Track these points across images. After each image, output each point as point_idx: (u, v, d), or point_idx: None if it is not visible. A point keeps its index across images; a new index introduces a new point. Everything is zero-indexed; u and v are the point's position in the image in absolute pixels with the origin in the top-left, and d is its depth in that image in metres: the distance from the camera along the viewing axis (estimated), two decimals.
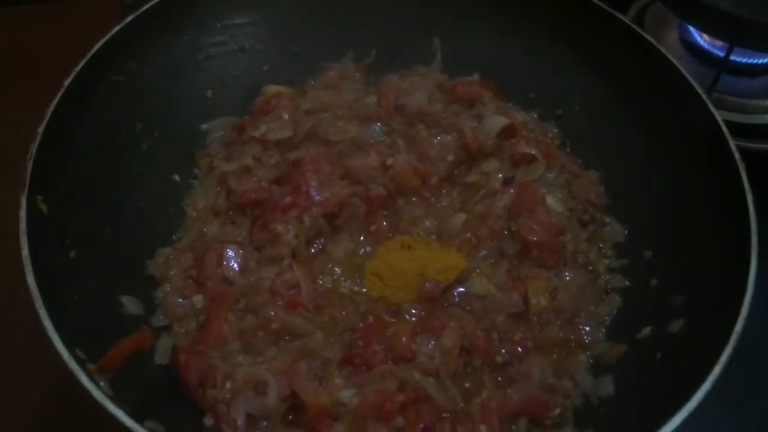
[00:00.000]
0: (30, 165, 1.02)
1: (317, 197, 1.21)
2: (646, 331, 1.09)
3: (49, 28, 1.72)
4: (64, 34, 1.61)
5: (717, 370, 0.89)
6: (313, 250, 1.22)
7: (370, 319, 1.14)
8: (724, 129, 1.11)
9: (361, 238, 1.24)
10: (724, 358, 0.90)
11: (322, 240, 1.22)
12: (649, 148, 1.26)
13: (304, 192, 1.21)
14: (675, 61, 1.21)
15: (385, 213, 1.26)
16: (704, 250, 1.11)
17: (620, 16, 1.28)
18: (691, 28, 1.63)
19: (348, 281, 1.19)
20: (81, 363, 0.88)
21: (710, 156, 1.13)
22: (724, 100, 1.51)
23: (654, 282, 1.15)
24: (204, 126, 1.37)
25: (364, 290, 1.18)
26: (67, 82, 1.11)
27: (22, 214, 0.98)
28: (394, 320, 1.14)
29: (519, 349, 1.11)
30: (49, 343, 0.88)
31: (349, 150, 1.28)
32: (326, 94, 1.37)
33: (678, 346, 1.03)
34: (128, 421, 0.84)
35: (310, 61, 1.43)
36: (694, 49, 1.63)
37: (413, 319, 1.15)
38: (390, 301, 1.17)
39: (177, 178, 1.30)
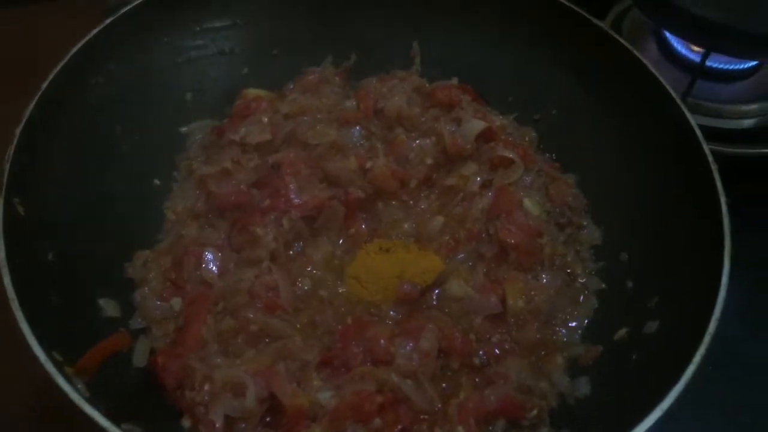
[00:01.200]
0: (7, 167, 1.02)
1: (296, 200, 1.21)
2: (622, 332, 1.10)
3: (29, 29, 1.70)
4: (45, 35, 1.60)
5: (691, 370, 0.90)
6: (291, 253, 1.22)
7: (349, 321, 1.15)
8: (698, 132, 1.13)
9: (340, 241, 1.24)
10: (697, 358, 0.91)
11: (301, 243, 1.23)
12: (626, 152, 1.27)
13: (283, 195, 1.21)
14: (650, 66, 1.23)
15: (364, 216, 1.27)
16: (679, 252, 1.12)
17: (597, 21, 1.30)
18: (668, 34, 1.65)
19: (327, 284, 1.19)
20: (58, 365, 0.88)
21: (684, 159, 1.15)
22: (700, 105, 1.53)
23: (630, 284, 1.17)
24: (183, 129, 1.36)
25: (343, 292, 1.19)
26: (44, 85, 1.11)
27: None
28: (373, 322, 1.14)
29: (496, 350, 1.12)
30: (27, 345, 0.88)
31: (329, 153, 1.29)
32: (305, 98, 1.37)
33: (653, 347, 1.04)
34: (104, 422, 0.84)
35: (290, 65, 1.43)
36: (670, 54, 1.66)
37: (391, 321, 1.15)
38: (368, 301, 1.17)
39: (156, 181, 1.30)
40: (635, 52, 1.24)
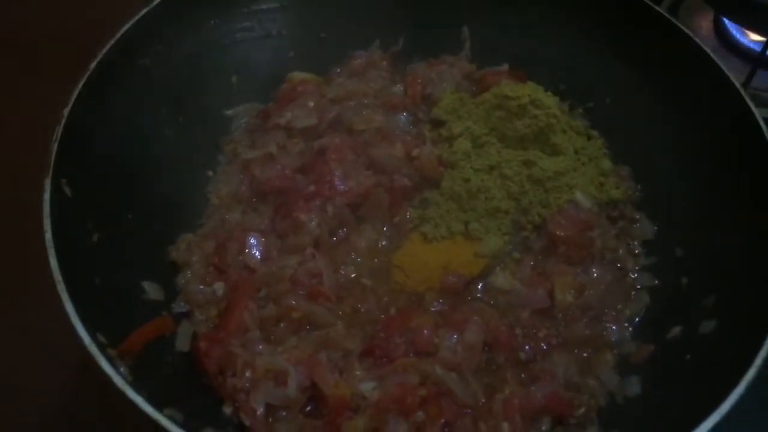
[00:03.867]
0: (55, 147, 1.02)
1: (341, 186, 1.20)
2: (676, 331, 1.07)
3: (77, 9, 1.71)
4: (93, 15, 1.60)
5: (751, 373, 0.86)
6: (335, 240, 1.20)
7: (393, 311, 1.13)
8: (762, 123, 1.08)
9: (385, 228, 1.22)
10: (758, 361, 0.87)
11: (345, 230, 1.21)
12: (682, 143, 1.23)
13: (328, 181, 1.20)
14: (712, 54, 1.18)
15: (410, 204, 1.24)
16: (737, 249, 1.08)
17: (656, 7, 1.25)
18: (727, 22, 1.59)
19: (371, 272, 1.18)
20: (102, 348, 0.88)
21: (745, 152, 1.10)
22: (759, 96, 1.48)
23: (684, 281, 1.13)
24: (228, 112, 1.36)
25: (387, 281, 1.17)
26: (92, 65, 1.11)
27: (46, 196, 0.97)
28: (417, 312, 1.12)
29: (543, 345, 1.09)
30: (71, 327, 0.88)
31: (374, 139, 1.27)
32: (352, 83, 1.36)
33: (709, 348, 1.00)
34: (147, 408, 0.83)
35: (337, 49, 1.41)
36: (729, 43, 1.60)
37: (436, 312, 1.13)
38: (412, 291, 1.15)
39: (200, 164, 1.29)
40: (696, 39, 1.19)
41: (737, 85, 1.13)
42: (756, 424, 1.13)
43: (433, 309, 1.14)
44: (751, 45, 1.55)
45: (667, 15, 1.24)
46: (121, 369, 0.89)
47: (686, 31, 1.21)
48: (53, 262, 0.91)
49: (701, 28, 1.65)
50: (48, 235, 0.93)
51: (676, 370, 1.02)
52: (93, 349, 0.86)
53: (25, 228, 1.00)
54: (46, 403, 1.20)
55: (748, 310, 0.97)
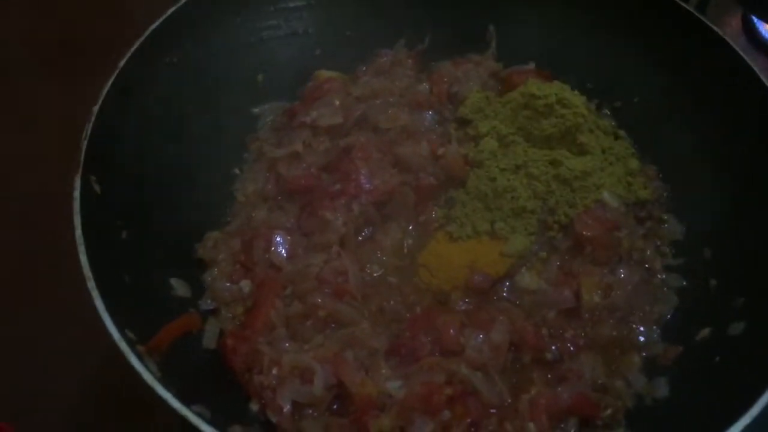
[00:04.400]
0: (84, 145, 1.03)
1: (367, 185, 1.20)
2: (705, 333, 1.06)
3: (106, 7, 1.72)
4: (121, 13, 1.61)
5: None
6: (361, 239, 1.20)
7: (418, 310, 1.13)
8: None
9: (410, 227, 1.22)
10: None
11: (371, 228, 1.21)
12: (711, 144, 1.21)
13: (354, 179, 1.20)
14: (742, 53, 1.16)
15: (435, 203, 1.24)
16: (766, 251, 1.06)
17: (684, 4, 1.24)
18: (756, 20, 1.57)
19: (396, 271, 1.18)
20: (131, 344, 0.89)
21: None
22: None
23: (713, 282, 1.12)
24: (255, 110, 1.36)
25: (413, 280, 1.17)
26: (122, 63, 1.12)
27: (76, 194, 0.98)
28: (442, 311, 1.11)
29: (570, 346, 1.08)
30: (101, 323, 0.89)
31: (400, 138, 1.27)
32: (378, 81, 1.36)
33: (738, 350, 0.99)
34: (176, 404, 0.84)
35: (363, 47, 1.42)
36: (758, 42, 1.58)
37: (461, 311, 1.13)
38: (438, 290, 1.15)
39: (227, 161, 1.30)
40: (732, 43, 1.17)
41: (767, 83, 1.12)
42: None
43: (458, 308, 1.13)
44: None
45: (696, 13, 1.22)
46: (150, 365, 0.89)
47: (716, 29, 1.19)
48: (83, 259, 0.92)
49: (730, 26, 1.63)
50: (78, 232, 0.95)
51: (705, 372, 1.01)
52: (123, 345, 0.87)
53: (56, 225, 1.01)
54: (71, 396, 1.21)
55: None
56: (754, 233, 1.10)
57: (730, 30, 1.62)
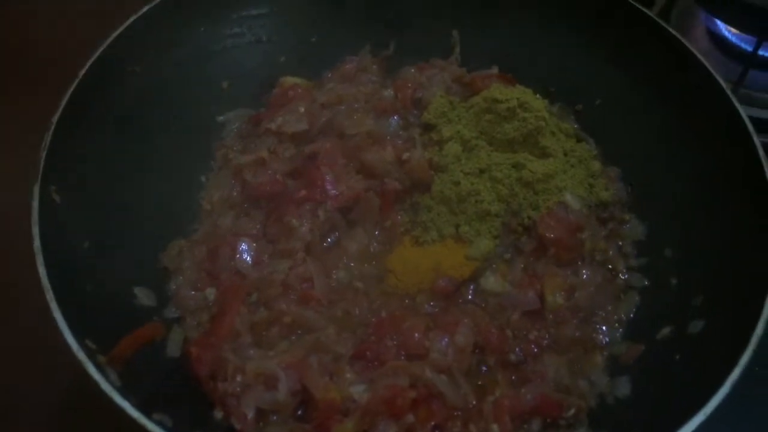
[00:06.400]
0: (43, 155, 1.02)
1: (332, 191, 1.20)
2: (665, 331, 1.07)
3: (68, 15, 1.72)
4: (84, 21, 1.60)
5: (736, 372, 0.87)
6: (327, 244, 1.20)
7: (384, 314, 1.13)
8: (749, 126, 1.08)
9: (376, 232, 1.23)
10: (743, 361, 0.88)
11: (337, 234, 1.21)
12: (672, 145, 1.23)
13: (319, 185, 1.20)
14: (700, 57, 1.18)
15: (401, 208, 1.25)
16: (726, 250, 1.08)
17: (645, 9, 1.25)
18: (719, 22, 1.59)
19: (362, 276, 1.18)
20: (91, 354, 0.88)
21: (734, 153, 1.10)
22: (752, 96, 1.48)
23: (674, 281, 1.13)
24: (220, 118, 1.36)
25: (378, 284, 1.17)
26: (82, 73, 1.11)
27: (35, 204, 0.98)
28: (408, 315, 1.12)
29: (534, 347, 1.09)
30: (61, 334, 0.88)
31: (365, 143, 1.27)
32: (343, 87, 1.36)
33: (697, 348, 1.00)
34: (135, 413, 0.84)
35: (328, 53, 1.42)
36: (721, 43, 1.60)
37: (427, 315, 1.13)
38: (404, 294, 1.15)
39: (193, 169, 1.30)
40: (684, 41, 1.19)
41: (725, 86, 1.13)
42: (741, 423, 1.14)
43: (424, 312, 1.14)
44: (743, 45, 1.55)
45: (654, 17, 1.24)
46: (111, 375, 0.89)
47: (674, 33, 1.21)
48: (42, 270, 0.92)
49: (695, 28, 1.65)
50: (36, 243, 0.94)
51: (665, 371, 1.02)
52: (81, 355, 0.86)
53: (16, 236, 1.01)
54: (43, 415, 1.20)
55: (735, 311, 0.97)
56: (713, 233, 1.11)
57: (695, 32, 1.63)
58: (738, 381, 0.86)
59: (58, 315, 0.89)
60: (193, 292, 1.14)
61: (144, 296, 1.10)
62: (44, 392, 1.22)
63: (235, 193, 1.26)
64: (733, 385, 0.85)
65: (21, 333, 1.25)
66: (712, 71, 1.14)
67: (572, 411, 1.03)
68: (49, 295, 0.90)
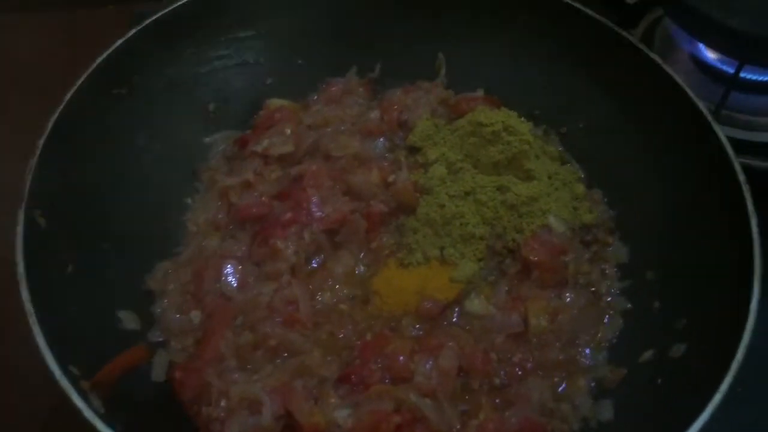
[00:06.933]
0: (29, 178, 1.03)
1: (318, 213, 1.21)
2: (648, 355, 1.08)
3: (55, 37, 1.72)
4: (68, 44, 1.61)
5: (717, 398, 0.87)
6: (312, 266, 1.21)
7: (369, 336, 1.13)
8: (729, 150, 1.09)
9: (362, 255, 1.23)
10: (724, 387, 0.88)
11: (322, 256, 1.22)
12: (655, 168, 1.24)
13: (305, 208, 1.21)
14: (680, 81, 1.19)
15: (386, 230, 1.25)
16: (707, 273, 1.09)
17: (625, 34, 1.27)
18: (701, 45, 1.61)
19: (348, 298, 1.18)
20: (74, 380, 0.88)
21: (715, 177, 1.11)
22: (734, 118, 1.49)
23: (657, 305, 1.14)
24: (206, 139, 1.36)
25: (363, 307, 1.17)
26: (68, 96, 1.12)
27: (19, 228, 0.98)
28: (393, 338, 1.12)
29: (518, 370, 1.10)
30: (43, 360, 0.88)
31: (351, 166, 1.28)
32: (329, 109, 1.37)
33: (679, 372, 1.01)
34: None
35: (314, 76, 1.43)
36: (703, 65, 1.61)
37: (412, 337, 1.13)
38: (389, 317, 1.16)
39: (178, 191, 1.30)
40: (664, 66, 1.21)
41: (704, 109, 1.15)
42: None
43: (409, 334, 1.14)
44: (725, 67, 1.57)
45: (634, 41, 1.25)
46: (94, 401, 0.89)
47: (655, 57, 1.22)
48: (25, 294, 0.92)
49: (677, 50, 1.66)
50: (20, 268, 0.94)
51: (647, 394, 1.03)
52: (64, 382, 0.86)
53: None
54: None
55: (717, 335, 0.98)
56: (696, 255, 1.12)
57: (678, 54, 1.65)
58: (720, 403, 0.87)
59: (41, 340, 0.88)
60: (178, 315, 1.13)
61: (128, 320, 1.10)
62: (25, 417, 1.21)
63: (220, 216, 1.26)
64: (714, 411, 0.86)
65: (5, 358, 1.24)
66: (692, 96, 1.16)
67: None
68: (32, 320, 0.90)
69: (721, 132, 1.12)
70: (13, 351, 1.11)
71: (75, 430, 0.85)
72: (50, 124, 1.08)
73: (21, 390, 1.20)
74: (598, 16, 1.29)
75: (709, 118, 1.13)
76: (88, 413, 0.84)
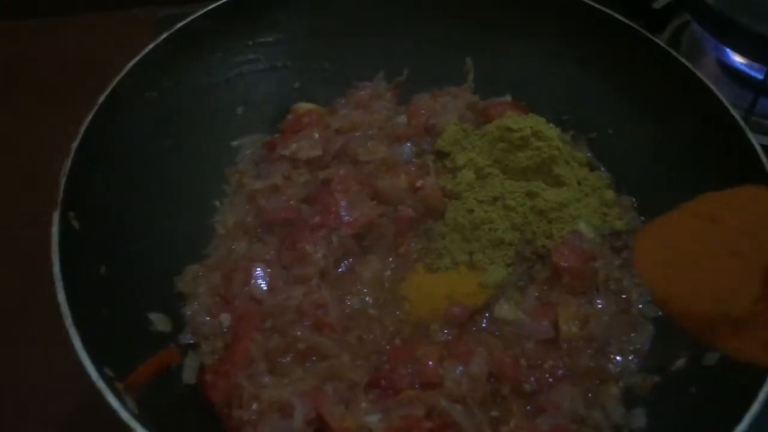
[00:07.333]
0: (63, 181, 1.03)
1: (346, 217, 1.21)
2: (680, 362, 1.07)
3: (84, 41, 1.74)
4: (95, 46, 1.63)
5: (755, 407, 0.86)
6: (340, 270, 1.21)
7: (398, 341, 1.13)
8: (763, 157, 1.09)
9: (390, 259, 1.23)
10: (762, 395, 0.87)
11: (350, 260, 1.22)
12: (685, 174, 1.23)
13: (333, 212, 1.21)
14: (711, 86, 1.19)
15: (414, 235, 1.25)
16: None
17: (656, 39, 1.27)
18: (728, 50, 1.60)
19: (376, 302, 1.18)
20: (109, 382, 0.88)
21: (747, 183, 1.11)
22: (762, 124, 1.48)
23: None
24: (234, 143, 1.37)
25: (392, 311, 1.17)
26: (101, 99, 1.12)
27: (54, 230, 0.98)
28: (422, 343, 1.12)
29: (548, 377, 1.09)
30: (78, 361, 0.88)
31: (379, 170, 1.28)
32: (357, 114, 1.37)
33: (713, 380, 1.00)
34: None
35: (342, 80, 1.43)
36: (731, 71, 1.61)
37: (441, 342, 1.13)
38: (417, 321, 1.15)
39: (207, 194, 1.30)
40: (696, 70, 1.20)
41: (736, 115, 1.15)
42: None
43: (438, 340, 1.14)
44: (753, 73, 1.56)
45: (665, 46, 1.25)
46: (128, 402, 0.89)
47: (686, 62, 1.22)
48: (61, 296, 0.92)
49: (704, 55, 1.66)
50: (56, 269, 0.94)
51: (680, 403, 1.02)
52: (100, 384, 0.86)
53: (33, 261, 1.01)
54: None
55: None
56: None
57: (705, 59, 1.64)
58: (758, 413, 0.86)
59: (77, 342, 0.89)
60: (208, 318, 1.14)
61: (159, 322, 1.10)
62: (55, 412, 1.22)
63: (249, 219, 1.26)
64: (752, 420, 0.85)
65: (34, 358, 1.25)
66: (725, 102, 1.15)
67: None
68: (69, 322, 0.90)
69: (754, 138, 1.11)
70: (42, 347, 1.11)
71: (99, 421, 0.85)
72: (84, 127, 1.09)
73: (51, 383, 1.21)
74: (627, 21, 1.28)
75: (742, 124, 1.13)
76: (124, 414, 0.85)
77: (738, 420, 0.85)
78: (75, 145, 1.06)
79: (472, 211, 1.21)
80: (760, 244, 0.74)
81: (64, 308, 0.91)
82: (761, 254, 0.74)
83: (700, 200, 0.93)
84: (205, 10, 1.29)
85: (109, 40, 1.69)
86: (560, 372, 1.09)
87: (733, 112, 1.15)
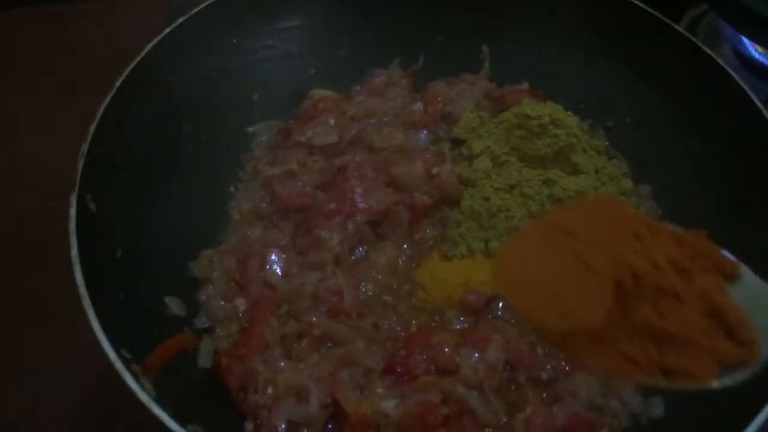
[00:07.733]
0: (81, 164, 1.03)
1: (362, 204, 1.20)
2: None
3: (94, 25, 1.74)
4: (110, 31, 1.62)
5: None
6: (356, 257, 1.20)
7: (413, 328, 1.13)
8: None
9: (405, 246, 1.23)
10: None
11: (366, 247, 1.21)
12: (703, 162, 1.23)
13: (349, 198, 1.20)
14: (732, 72, 1.18)
15: (430, 222, 1.25)
16: (760, 270, 1.07)
17: (675, 26, 1.26)
18: (745, 40, 1.59)
19: (391, 289, 1.18)
20: (126, 363, 0.88)
21: (766, 173, 1.10)
22: None
23: None
24: (250, 129, 1.37)
25: (407, 298, 1.17)
26: (118, 83, 1.12)
27: (72, 212, 0.98)
28: (438, 330, 1.11)
29: (565, 365, 1.08)
30: (95, 343, 0.88)
31: (395, 157, 1.27)
32: (372, 101, 1.37)
33: None
34: (172, 424, 0.83)
35: (357, 67, 1.43)
36: (748, 61, 1.59)
37: (457, 327, 1.13)
38: (433, 308, 1.15)
39: (222, 180, 1.30)
40: (717, 58, 1.19)
41: (757, 102, 1.13)
42: None
43: (454, 327, 1.13)
44: None
45: (686, 33, 1.24)
46: (146, 385, 0.89)
47: (706, 49, 1.21)
48: (79, 278, 0.92)
49: (721, 45, 1.64)
50: (74, 251, 0.94)
51: (699, 393, 1.01)
52: (119, 365, 0.86)
53: (51, 243, 1.01)
54: (66, 417, 1.20)
55: None
56: (746, 253, 1.10)
57: (721, 50, 1.63)
58: None
59: (96, 325, 0.88)
60: (222, 303, 1.14)
61: (174, 305, 1.11)
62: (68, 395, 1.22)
63: (264, 205, 1.26)
64: None
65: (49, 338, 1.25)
66: (748, 90, 1.14)
67: (605, 431, 1.02)
68: (86, 302, 0.90)
69: None
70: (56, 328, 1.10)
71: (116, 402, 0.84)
72: (101, 110, 1.08)
73: (65, 359, 1.21)
74: (646, 7, 1.27)
75: (764, 112, 1.11)
76: (142, 396, 0.84)
77: (757, 410, 0.85)
78: (92, 127, 1.06)
79: (488, 198, 1.20)
80: (612, 257, 0.74)
81: (83, 290, 0.91)
82: (613, 267, 0.74)
83: (557, 212, 0.94)
84: None
85: (125, 25, 1.69)
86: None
87: (753, 98, 1.14)
